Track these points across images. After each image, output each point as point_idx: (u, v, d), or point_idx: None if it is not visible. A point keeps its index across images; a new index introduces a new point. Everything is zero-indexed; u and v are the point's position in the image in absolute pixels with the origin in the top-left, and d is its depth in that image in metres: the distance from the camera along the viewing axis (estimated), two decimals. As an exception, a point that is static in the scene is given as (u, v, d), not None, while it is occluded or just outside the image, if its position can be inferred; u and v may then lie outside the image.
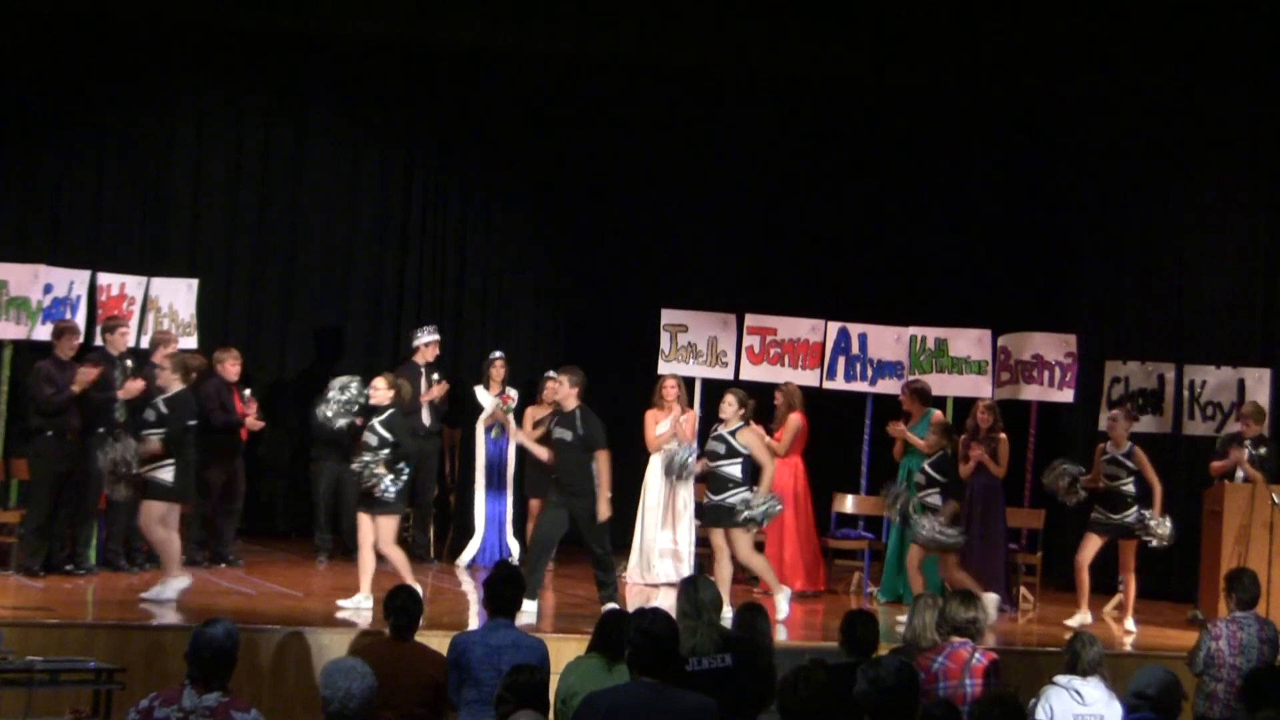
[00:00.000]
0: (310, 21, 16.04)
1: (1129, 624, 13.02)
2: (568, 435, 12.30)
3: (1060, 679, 8.26)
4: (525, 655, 7.91)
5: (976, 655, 8.34)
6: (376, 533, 11.80)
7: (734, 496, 12.20)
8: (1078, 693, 8.16)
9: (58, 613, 10.97)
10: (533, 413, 14.93)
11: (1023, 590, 14.19)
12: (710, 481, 12.44)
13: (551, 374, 14.74)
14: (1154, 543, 13.04)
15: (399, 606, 8.36)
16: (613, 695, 6.63)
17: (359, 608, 11.73)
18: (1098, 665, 8.28)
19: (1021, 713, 6.69)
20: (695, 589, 8.22)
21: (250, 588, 12.89)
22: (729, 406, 12.47)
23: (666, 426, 14.36)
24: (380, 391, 11.95)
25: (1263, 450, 13.48)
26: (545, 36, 16.17)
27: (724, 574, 12.23)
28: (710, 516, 12.49)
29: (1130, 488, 13.07)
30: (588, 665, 7.85)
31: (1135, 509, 13.05)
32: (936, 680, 8.22)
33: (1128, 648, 12.35)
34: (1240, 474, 13.44)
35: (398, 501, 11.91)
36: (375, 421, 11.85)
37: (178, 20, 15.88)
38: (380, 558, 11.96)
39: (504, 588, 8.43)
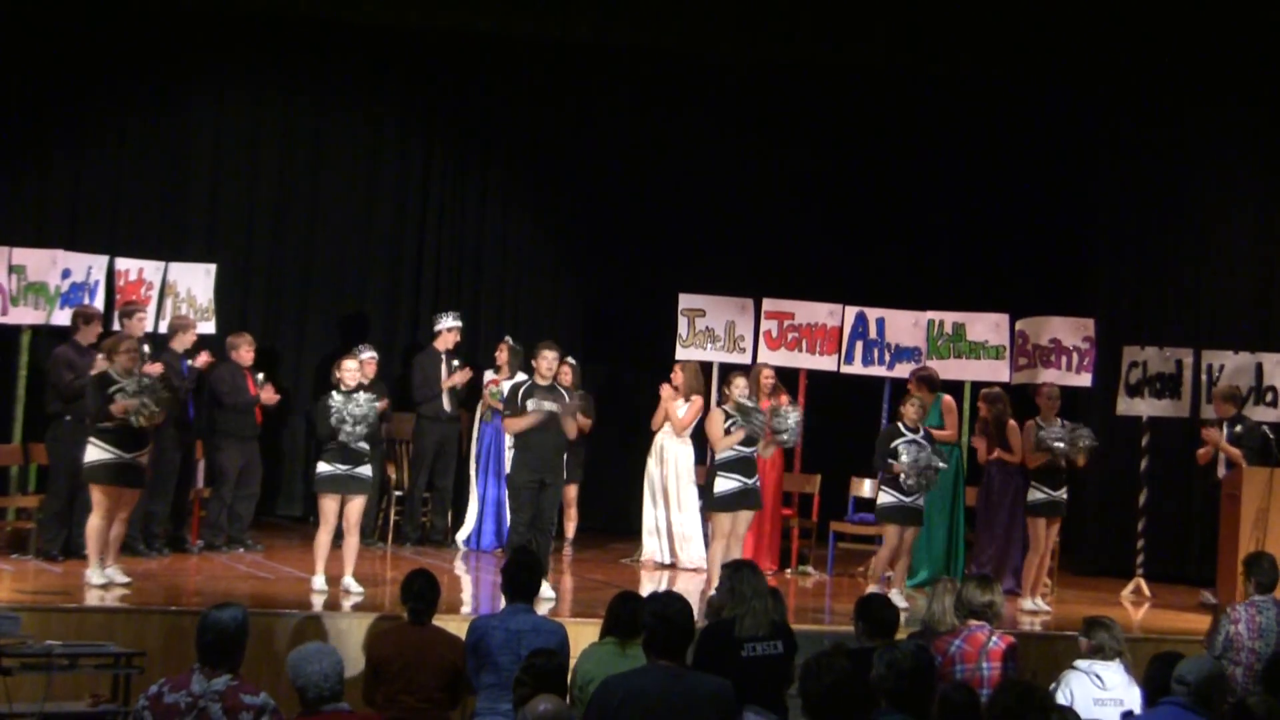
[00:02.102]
0: (329, 7, 16.08)
1: (1040, 602, 13.00)
2: None
3: (1081, 663, 8.27)
4: (545, 640, 7.93)
5: (994, 639, 8.34)
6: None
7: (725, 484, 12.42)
8: (1098, 677, 8.16)
9: (76, 598, 11.01)
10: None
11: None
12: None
13: (570, 360, 14.81)
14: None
15: (415, 591, 8.38)
16: (630, 679, 6.63)
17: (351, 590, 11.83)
18: (1119, 649, 8.28)
19: (1038, 698, 6.66)
20: (743, 572, 8.14)
21: (268, 572, 12.91)
22: (741, 388, 12.62)
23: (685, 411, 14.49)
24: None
25: (1239, 429, 13.48)
26: (564, 24, 16.19)
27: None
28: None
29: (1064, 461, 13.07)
30: (602, 651, 7.85)
31: (1065, 485, 13.06)
32: (953, 664, 8.23)
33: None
34: (1223, 456, 13.49)
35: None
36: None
37: (196, 5, 15.91)
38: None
39: (522, 573, 8.43)
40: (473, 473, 15.06)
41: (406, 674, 7.88)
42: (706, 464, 12.86)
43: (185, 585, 12.23)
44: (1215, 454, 13.66)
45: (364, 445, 11.80)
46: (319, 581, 11.77)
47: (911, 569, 13.91)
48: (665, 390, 14.57)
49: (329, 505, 11.81)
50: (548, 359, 12.27)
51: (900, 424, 12.95)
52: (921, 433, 12.86)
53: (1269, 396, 14.12)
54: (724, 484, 12.33)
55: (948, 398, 14.35)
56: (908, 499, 12.76)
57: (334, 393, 11.86)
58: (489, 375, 15.16)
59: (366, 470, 11.91)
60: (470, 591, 12.95)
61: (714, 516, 12.55)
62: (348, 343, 15.21)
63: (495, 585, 12.70)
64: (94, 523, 11.48)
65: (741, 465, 12.40)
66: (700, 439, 14.23)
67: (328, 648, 6.38)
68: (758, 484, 12.58)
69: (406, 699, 7.84)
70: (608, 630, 7.99)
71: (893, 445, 12.76)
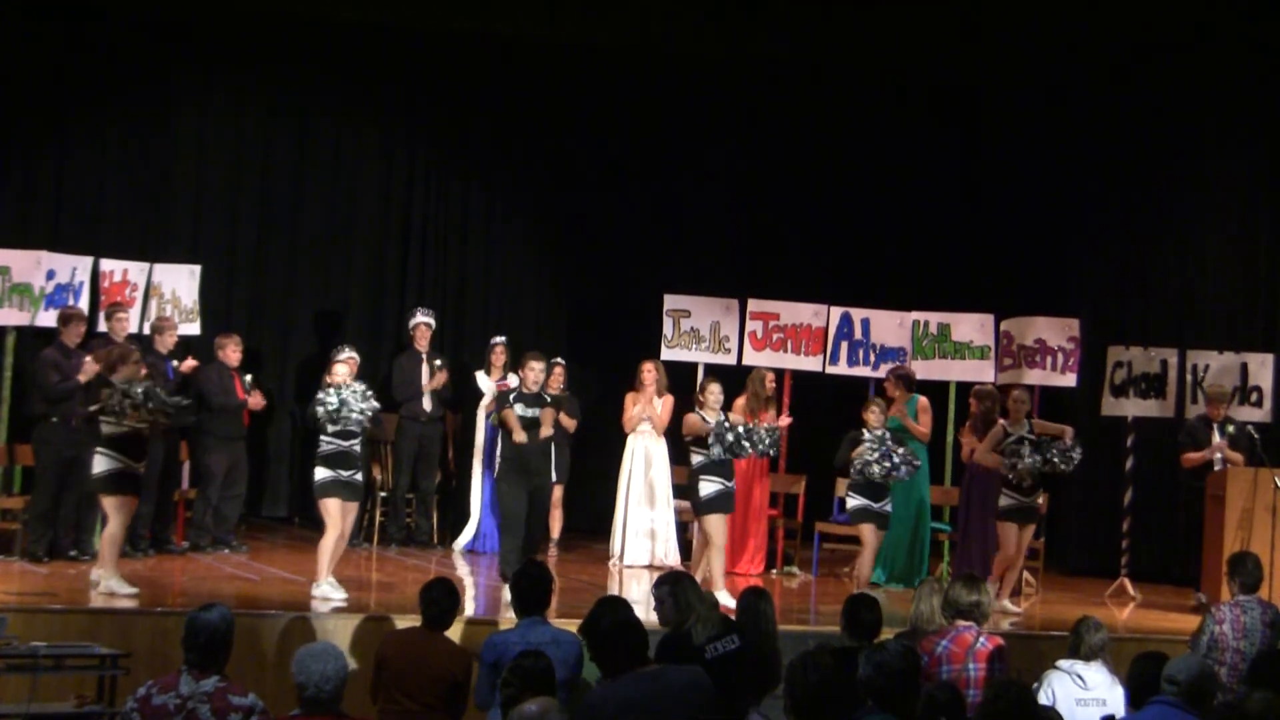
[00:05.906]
0: (312, 7, 16.07)
1: (1007, 603, 12.81)
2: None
3: (1063, 663, 8.30)
4: (565, 651, 7.86)
5: (981, 639, 8.35)
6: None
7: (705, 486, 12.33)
8: (1080, 677, 8.19)
9: (62, 598, 10.96)
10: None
11: (1025, 575, 14.17)
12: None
13: (559, 360, 14.80)
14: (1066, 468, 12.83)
15: (432, 598, 8.40)
16: (618, 690, 6.71)
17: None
18: (1100, 650, 8.31)
19: (1031, 702, 6.68)
20: (681, 586, 8.17)
21: (254, 573, 12.89)
22: (715, 394, 12.51)
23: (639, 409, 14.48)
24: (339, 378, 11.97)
25: (1231, 429, 13.48)
26: (548, 24, 16.20)
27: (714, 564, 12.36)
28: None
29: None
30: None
31: (1038, 490, 12.92)
32: (940, 664, 8.23)
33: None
34: (1220, 459, 13.48)
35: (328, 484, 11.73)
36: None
37: (179, 6, 15.88)
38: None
39: (535, 586, 8.38)
40: (476, 474, 14.97)
41: (404, 676, 7.91)
42: (689, 465, 12.68)
43: (171, 586, 12.20)
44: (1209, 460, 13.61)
45: (356, 448, 11.69)
46: (327, 589, 11.47)
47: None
48: (643, 394, 14.50)
49: (338, 507, 11.60)
50: (535, 370, 12.61)
51: (864, 430, 12.90)
52: (883, 433, 12.85)
53: (1254, 396, 14.16)
54: (709, 487, 12.31)
55: (923, 398, 14.38)
56: (876, 504, 12.73)
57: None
58: (510, 378, 14.97)
59: (359, 476, 11.82)
60: (471, 594, 12.87)
61: (709, 520, 12.38)
62: (332, 343, 15.21)
63: (488, 588, 12.78)
64: (114, 531, 11.34)
65: (726, 468, 12.41)
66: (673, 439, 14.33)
67: (336, 650, 6.36)
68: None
69: (404, 701, 7.87)
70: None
71: (855, 452, 12.72)
